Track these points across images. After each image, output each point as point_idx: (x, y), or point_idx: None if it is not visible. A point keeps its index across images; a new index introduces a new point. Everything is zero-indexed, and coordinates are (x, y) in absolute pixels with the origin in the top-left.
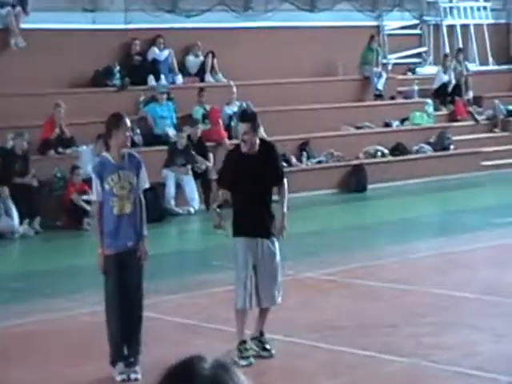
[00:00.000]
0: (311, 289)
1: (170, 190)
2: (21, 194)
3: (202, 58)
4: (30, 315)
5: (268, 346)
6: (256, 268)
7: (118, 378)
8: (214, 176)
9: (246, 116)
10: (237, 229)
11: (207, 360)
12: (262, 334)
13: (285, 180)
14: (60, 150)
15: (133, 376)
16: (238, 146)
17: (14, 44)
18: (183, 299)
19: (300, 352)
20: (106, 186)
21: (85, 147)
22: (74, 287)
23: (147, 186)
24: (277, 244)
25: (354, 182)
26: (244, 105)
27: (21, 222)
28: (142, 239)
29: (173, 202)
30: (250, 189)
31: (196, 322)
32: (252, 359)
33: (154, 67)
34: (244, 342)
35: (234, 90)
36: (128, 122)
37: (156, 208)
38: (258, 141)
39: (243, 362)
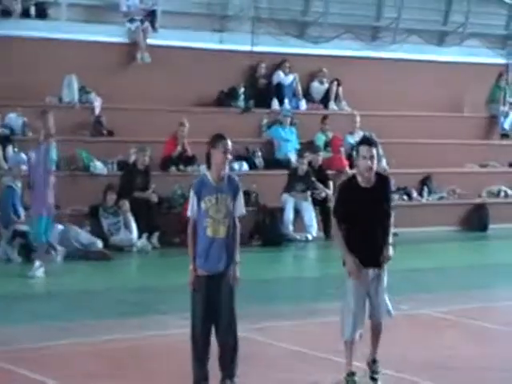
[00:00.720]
0: (425, 326)
1: (289, 215)
2: (140, 209)
3: (326, 85)
4: (142, 330)
5: (376, 376)
6: (368, 294)
7: None
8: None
9: (369, 140)
10: None
11: None
12: (374, 361)
13: (392, 214)
14: (181, 167)
15: None
16: (352, 176)
17: (140, 59)
18: (295, 326)
19: None
20: (203, 206)
21: (205, 166)
22: (188, 305)
23: (243, 212)
24: (385, 268)
25: (476, 220)
26: (366, 135)
27: (139, 236)
28: (234, 264)
29: (291, 228)
30: (364, 223)
31: (307, 349)
32: None
33: (279, 91)
34: (352, 373)
35: (358, 119)
36: (228, 143)
37: (274, 233)
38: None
39: None
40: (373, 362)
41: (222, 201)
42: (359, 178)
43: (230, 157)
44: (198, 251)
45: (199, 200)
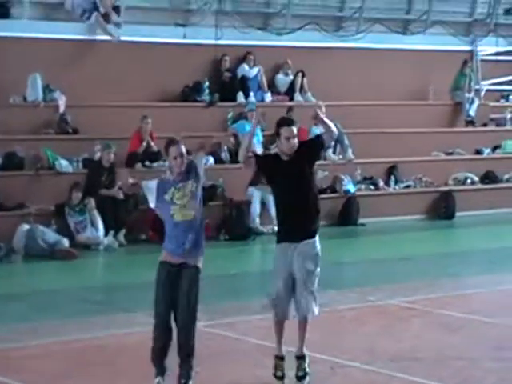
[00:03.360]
0: (392, 316)
1: (256, 208)
2: (106, 206)
3: (291, 76)
4: (110, 328)
5: (300, 374)
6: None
7: None
8: None
9: (289, 119)
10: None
11: None
12: (298, 357)
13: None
14: (147, 163)
15: None
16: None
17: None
18: (262, 320)
19: (377, 381)
20: (166, 197)
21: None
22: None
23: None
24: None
25: (443, 208)
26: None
27: (106, 234)
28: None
29: (258, 221)
30: (290, 195)
31: (273, 343)
32: None
33: (244, 84)
34: (278, 357)
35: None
36: (180, 148)
37: (241, 226)
38: None
39: None
40: (296, 358)
41: (186, 187)
42: (281, 156)
43: (184, 160)
44: (166, 237)
45: (162, 195)
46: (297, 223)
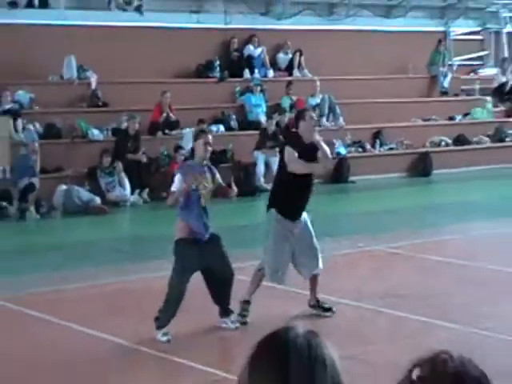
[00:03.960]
0: (378, 260)
1: (260, 169)
2: (132, 169)
3: (290, 55)
4: (139, 274)
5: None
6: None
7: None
8: None
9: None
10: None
11: (300, 329)
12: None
13: None
14: (166, 131)
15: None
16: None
17: None
18: None
19: (365, 316)
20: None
21: (187, 129)
22: None
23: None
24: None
25: (421, 167)
26: (326, 97)
27: (132, 193)
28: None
29: (262, 180)
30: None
31: (280, 287)
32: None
33: (249, 62)
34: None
35: (318, 83)
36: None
37: (249, 184)
38: None
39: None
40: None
41: (208, 178)
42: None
43: (210, 148)
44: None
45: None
46: (299, 205)
